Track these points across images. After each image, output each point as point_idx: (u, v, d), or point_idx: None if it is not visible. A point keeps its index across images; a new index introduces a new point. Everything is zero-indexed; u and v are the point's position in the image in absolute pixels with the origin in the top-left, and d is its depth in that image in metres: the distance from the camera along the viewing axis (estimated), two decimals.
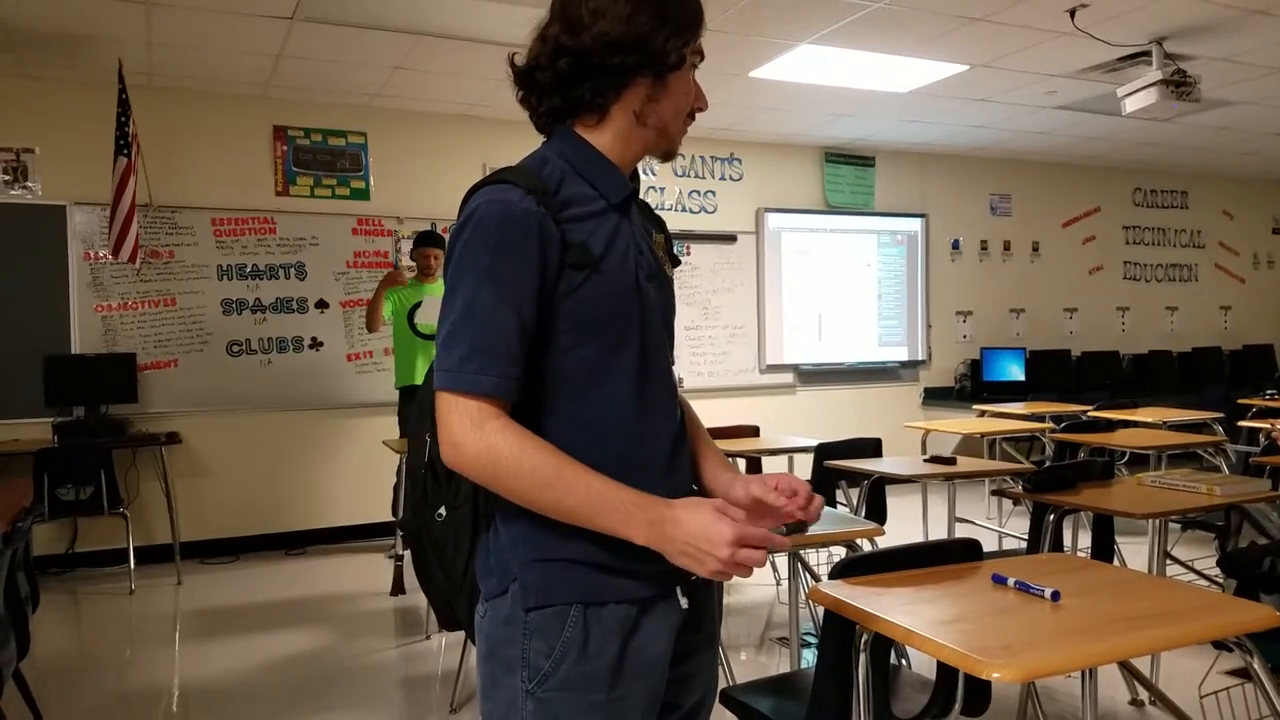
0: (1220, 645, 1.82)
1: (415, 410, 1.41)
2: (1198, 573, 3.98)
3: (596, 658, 1.19)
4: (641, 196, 1.38)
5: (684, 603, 1.26)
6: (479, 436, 1.15)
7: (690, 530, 1.10)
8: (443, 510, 1.31)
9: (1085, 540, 3.51)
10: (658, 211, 1.48)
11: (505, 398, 1.17)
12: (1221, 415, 5.77)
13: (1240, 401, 6.55)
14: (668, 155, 1.34)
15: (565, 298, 1.19)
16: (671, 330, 1.36)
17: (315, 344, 5.84)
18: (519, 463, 1.13)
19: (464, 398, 1.15)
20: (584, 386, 1.22)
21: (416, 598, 4.64)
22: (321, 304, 5.85)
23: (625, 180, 1.28)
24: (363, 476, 5.84)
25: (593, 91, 1.24)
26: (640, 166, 1.38)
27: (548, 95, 1.26)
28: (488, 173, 1.27)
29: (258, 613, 4.49)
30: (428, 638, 4.05)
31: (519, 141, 1.36)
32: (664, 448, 1.28)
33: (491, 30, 4.53)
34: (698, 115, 1.35)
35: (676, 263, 1.43)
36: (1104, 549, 3.06)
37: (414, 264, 5.32)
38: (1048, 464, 4.45)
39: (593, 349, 1.21)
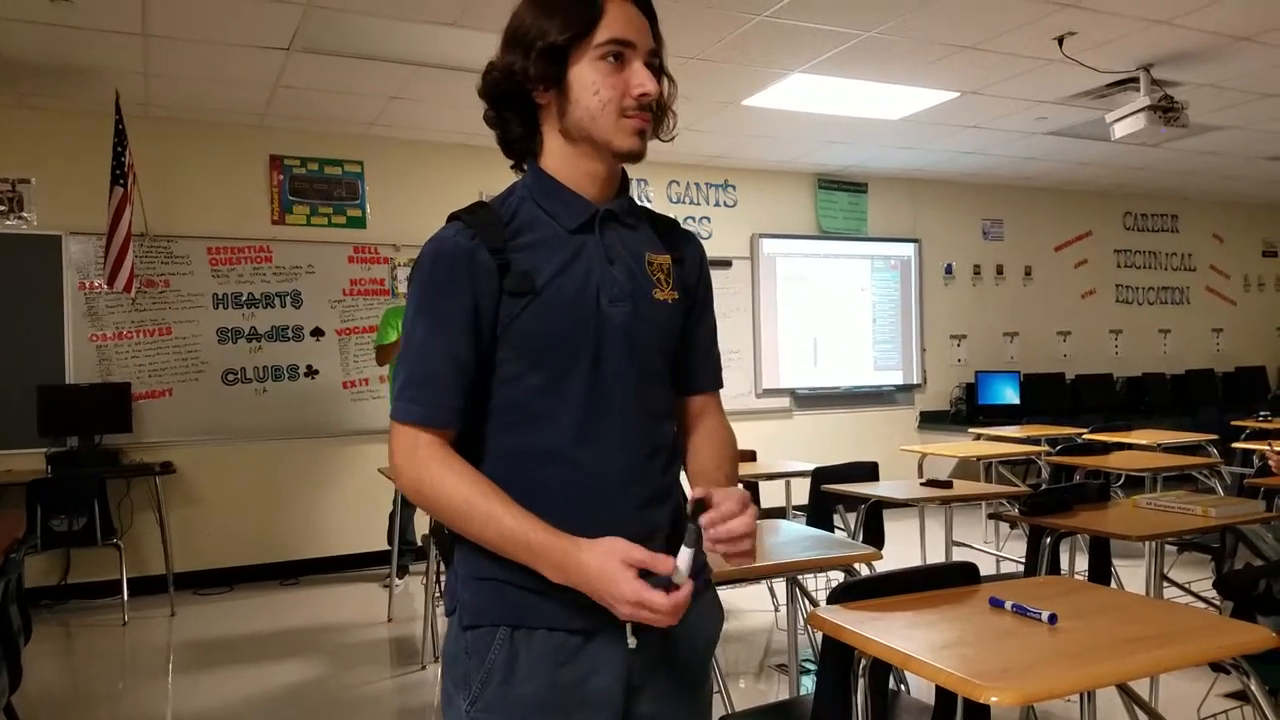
0: (1218, 667, 1.82)
1: None
2: (1194, 594, 3.97)
3: (525, 683, 1.19)
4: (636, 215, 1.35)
5: (631, 641, 1.21)
6: (409, 464, 1.20)
7: (594, 578, 1.10)
8: None
9: (1082, 563, 3.51)
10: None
11: (437, 426, 1.20)
12: (1215, 437, 5.78)
13: (1234, 423, 6.57)
14: (626, 156, 1.26)
15: (507, 326, 1.21)
16: (651, 356, 1.29)
17: (311, 372, 5.83)
18: (438, 493, 1.18)
19: (401, 426, 1.21)
20: (530, 414, 1.22)
21: (413, 626, 4.61)
22: (317, 332, 5.85)
23: (584, 204, 1.27)
24: (358, 505, 5.81)
25: (504, 128, 1.30)
26: (635, 189, 1.39)
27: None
28: (487, 199, 1.30)
29: (252, 644, 4.45)
30: (423, 668, 4.02)
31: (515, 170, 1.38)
32: (615, 480, 1.23)
33: (484, 60, 4.57)
34: (658, 105, 1.27)
35: (697, 286, 1.38)
36: (1101, 571, 3.06)
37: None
38: (1044, 487, 4.46)
39: (538, 376, 1.22)
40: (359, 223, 6.01)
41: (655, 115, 1.28)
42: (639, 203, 1.39)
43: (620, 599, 1.08)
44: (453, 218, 1.26)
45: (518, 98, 1.27)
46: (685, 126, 1.37)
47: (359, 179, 6.01)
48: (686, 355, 1.38)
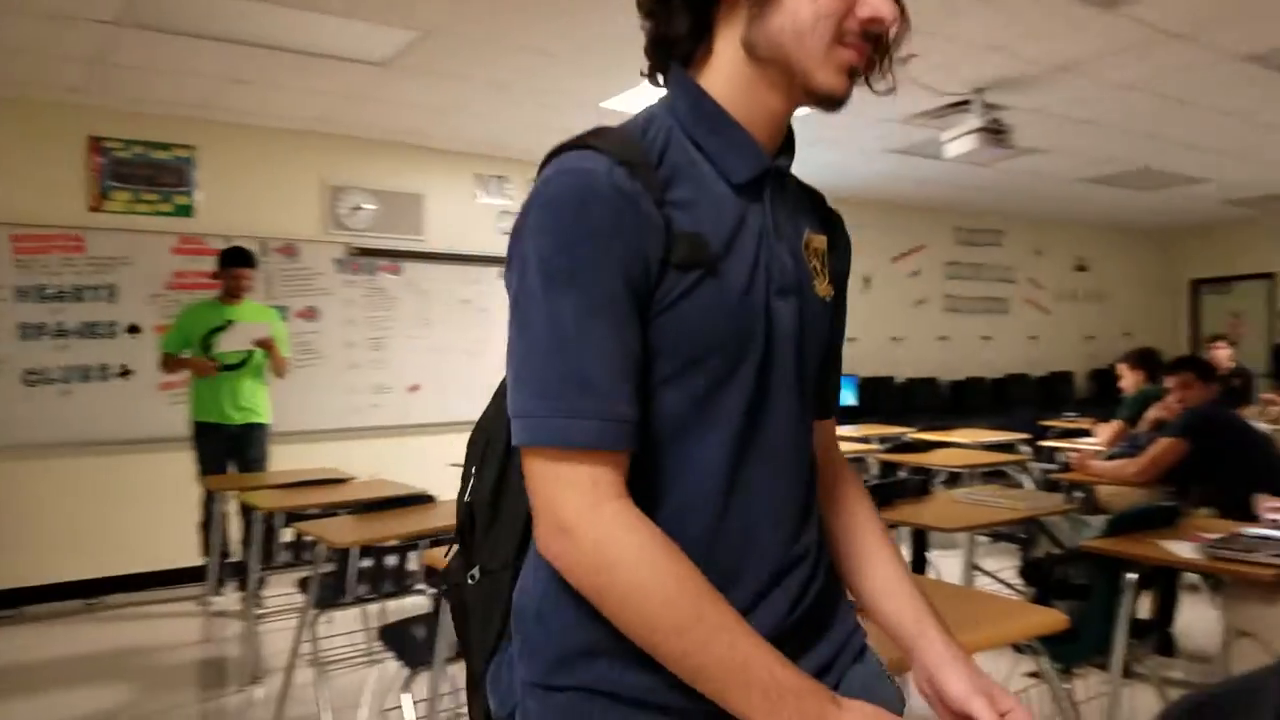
0: (1019, 648, 1.94)
1: (481, 432, 1.05)
2: (1003, 582, 4.26)
3: None
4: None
5: None
6: (592, 523, 0.81)
7: None
8: (476, 572, 1.00)
9: (905, 554, 3.69)
10: None
11: (613, 448, 0.83)
12: (1028, 436, 6.24)
13: (1042, 423, 7.10)
14: (825, 100, 0.93)
15: (664, 311, 0.86)
16: (814, 369, 1.00)
17: (125, 372, 5.40)
18: (643, 583, 0.79)
19: (557, 460, 0.82)
20: (675, 437, 0.88)
21: (230, 647, 4.34)
22: (134, 328, 5.43)
23: (756, 150, 0.93)
24: (175, 517, 5.35)
25: (666, 18, 0.93)
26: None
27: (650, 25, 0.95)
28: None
29: (50, 670, 4.08)
30: (241, 690, 3.77)
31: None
32: (767, 526, 0.94)
33: (331, 44, 4.39)
34: (880, 34, 0.96)
35: (839, 282, 1.07)
36: (919, 561, 3.23)
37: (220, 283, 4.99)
38: (872, 483, 4.66)
39: (696, 384, 0.88)
40: (186, 211, 5.63)
41: (875, 54, 0.98)
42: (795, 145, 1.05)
43: None
44: (581, 145, 0.87)
45: None
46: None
47: (189, 164, 5.63)
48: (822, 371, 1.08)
